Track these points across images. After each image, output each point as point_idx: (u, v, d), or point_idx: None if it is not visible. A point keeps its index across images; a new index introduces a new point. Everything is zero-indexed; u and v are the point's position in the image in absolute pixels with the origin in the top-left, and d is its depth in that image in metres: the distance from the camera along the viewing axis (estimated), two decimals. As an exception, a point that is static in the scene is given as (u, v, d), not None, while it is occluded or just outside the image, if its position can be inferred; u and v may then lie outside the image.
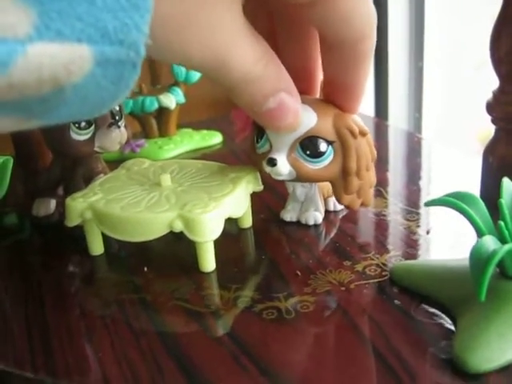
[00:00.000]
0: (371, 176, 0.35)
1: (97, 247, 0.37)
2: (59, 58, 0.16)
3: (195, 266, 0.34)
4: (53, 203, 0.45)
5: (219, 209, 0.33)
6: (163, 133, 0.58)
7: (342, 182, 0.34)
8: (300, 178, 0.34)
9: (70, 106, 0.18)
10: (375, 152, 0.35)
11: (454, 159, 0.50)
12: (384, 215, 0.39)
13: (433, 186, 0.45)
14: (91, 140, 0.38)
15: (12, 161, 0.47)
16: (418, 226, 0.37)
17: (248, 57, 0.25)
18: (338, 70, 0.30)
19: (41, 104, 0.17)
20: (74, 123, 0.37)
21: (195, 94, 0.59)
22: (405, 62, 0.65)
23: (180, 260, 0.36)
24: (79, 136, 0.37)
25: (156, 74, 0.70)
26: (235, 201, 0.35)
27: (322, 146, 0.33)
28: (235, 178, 0.36)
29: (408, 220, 0.38)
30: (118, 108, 0.39)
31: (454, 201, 0.27)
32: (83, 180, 0.41)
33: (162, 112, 0.57)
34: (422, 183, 0.45)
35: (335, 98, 0.32)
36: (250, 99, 0.26)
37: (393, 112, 0.68)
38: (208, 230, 0.32)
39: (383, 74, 0.64)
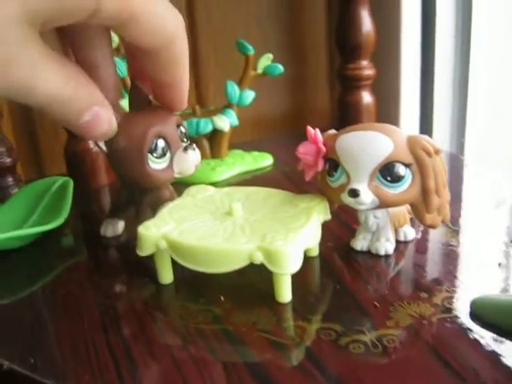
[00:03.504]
0: (447, 192, 0.36)
1: (167, 275, 0.37)
2: None
3: (271, 296, 0.34)
4: (121, 224, 0.45)
5: (299, 240, 0.33)
6: (215, 154, 0.59)
7: (422, 202, 0.35)
8: (383, 204, 0.35)
9: None
10: (446, 167, 0.36)
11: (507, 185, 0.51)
12: (451, 245, 0.39)
13: (492, 214, 0.45)
14: (169, 167, 0.38)
15: (72, 182, 0.48)
16: (489, 257, 0.37)
17: (54, 82, 0.27)
18: (158, 72, 0.33)
19: None
20: (150, 152, 0.36)
21: (240, 114, 0.59)
22: (450, 75, 0.65)
23: (254, 289, 0.36)
24: (157, 165, 0.37)
25: (202, 95, 0.71)
26: (310, 232, 0.35)
27: (401, 170, 0.34)
28: (306, 208, 0.37)
29: (475, 250, 0.38)
30: (184, 130, 0.39)
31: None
32: (150, 206, 0.41)
33: (215, 134, 0.58)
34: (483, 211, 0.45)
35: (163, 98, 0.35)
36: (65, 117, 0.29)
37: (437, 135, 0.68)
38: (290, 262, 0.32)
39: (429, 94, 0.64)
